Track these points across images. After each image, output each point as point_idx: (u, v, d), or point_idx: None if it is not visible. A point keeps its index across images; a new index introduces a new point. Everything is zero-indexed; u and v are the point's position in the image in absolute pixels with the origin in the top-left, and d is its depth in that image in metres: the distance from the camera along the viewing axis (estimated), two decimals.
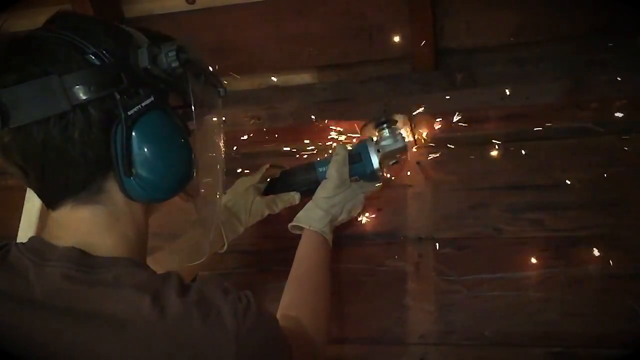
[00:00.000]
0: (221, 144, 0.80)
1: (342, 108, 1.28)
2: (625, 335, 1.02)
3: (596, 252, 1.08)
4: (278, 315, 0.94)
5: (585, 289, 1.07)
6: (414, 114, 1.22)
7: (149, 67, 0.69)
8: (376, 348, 1.14)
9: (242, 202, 1.13)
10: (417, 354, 1.11)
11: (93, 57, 0.66)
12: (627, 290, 1.05)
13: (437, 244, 1.17)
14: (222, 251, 1.10)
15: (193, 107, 0.72)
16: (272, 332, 0.74)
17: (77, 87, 0.64)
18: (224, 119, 0.80)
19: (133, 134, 0.68)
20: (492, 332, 1.08)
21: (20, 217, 1.22)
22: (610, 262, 1.07)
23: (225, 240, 1.09)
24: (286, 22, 1.31)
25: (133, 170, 0.68)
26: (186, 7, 1.31)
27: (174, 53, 0.69)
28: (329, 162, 1.15)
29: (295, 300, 0.99)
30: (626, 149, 1.13)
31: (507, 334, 1.08)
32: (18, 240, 1.11)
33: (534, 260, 1.11)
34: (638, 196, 1.10)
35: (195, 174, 0.75)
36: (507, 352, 1.07)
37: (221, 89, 0.77)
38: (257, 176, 1.19)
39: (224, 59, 1.36)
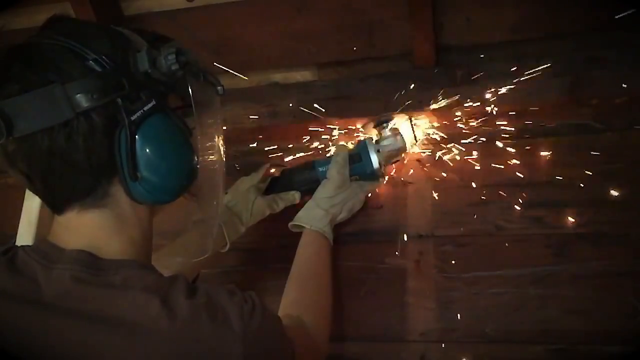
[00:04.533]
0: (222, 142, 0.81)
1: (342, 105, 1.27)
2: (626, 333, 1.02)
3: (596, 250, 1.08)
4: (280, 315, 0.95)
5: (586, 286, 1.07)
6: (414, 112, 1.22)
7: (149, 70, 0.69)
8: (377, 345, 1.14)
9: (243, 202, 1.14)
10: (418, 351, 1.11)
11: (94, 64, 0.66)
12: (627, 287, 1.05)
13: (437, 242, 1.17)
14: (224, 251, 1.10)
15: (194, 108, 0.72)
16: (277, 333, 0.75)
17: (80, 94, 0.65)
18: (224, 117, 0.80)
19: (137, 138, 0.68)
20: (492, 329, 1.08)
21: (20, 215, 1.22)
22: (611, 259, 1.07)
23: (226, 239, 1.09)
24: (286, 19, 1.31)
25: (138, 174, 0.69)
26: (185, 4, 1.30)
27: (173, 56, 0.69)
28: (329, 161, 1.15)
29: (297, 299, 1.00)
30: (626, 146, 1.13)
31: (507, 331, 1.08)
32: (18, 239, 1.12)
33: (534, 258, 1.11)
34: (638, 193, 1.10)
35: (198, 174, 0.75)
36: (507, 349, 1.07)
37: (219, 88, 0.77)
38: (258, 176, 1.19)
39: (223, 57, 1.36)
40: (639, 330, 1.01)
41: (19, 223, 1.20)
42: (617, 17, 1.09)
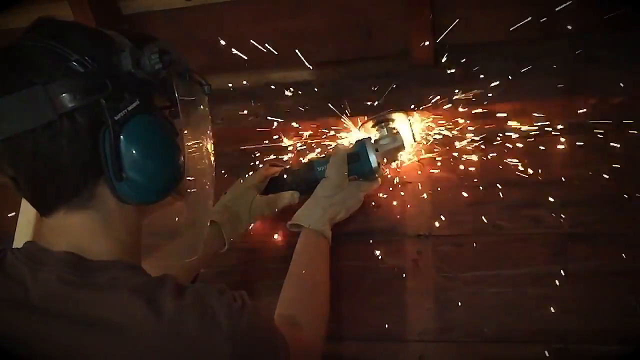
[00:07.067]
0: (210, 142, 0.80)
1: (340, 105, 1.27)
2: (625, 332, 1.03)
3: (595, 249, 1.08)
4: (276, 314, 0.95)
5: (584, 286, 1.07)
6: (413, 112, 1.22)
7: (132, 70, 0.69)
8: (375, 345, 1.14)
9: (243, 201, 1.14)
10: (416, 351, 1.11)
11: (76, 65, 0.66)
12: (626, 287, 1.05)
13: (436, 241, 1.17)
14: (223, 250, 1.10)
15: (179, 107, 0.72)
16: (267, 332, 0.74)
17: (63, 95, 0.65)
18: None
19: (121, 138, 0.68)
20: (491, 329, 1.09)
21: (18, 214, 1.22)
22: (609, 258, 1.07)
23: (225, 239, 1.09)
24: (284, 18, 1.31)
25: (123, 175, 0.69)
26: (184, 3, 1.30)
27: (156, 55, 0.69)
28: (328, 161, 1.15)
29: (293, 298, 1.00)
30: (625, 145, 1.13)
31: (506, 331, 1.08)
32: (16, 237, 1.12)
33: (532, 257, 1.11)
34: (636, 192, 1.10)
35: (185, 174, 0.75)
36: (506, 348, 1.08)
37: (206, 87, 0.77)
38: (257, 176, 1.19)
39: (221, 56, 1.36)
40: (638, 330, 1.01)
41: (16, 222, 1.21)
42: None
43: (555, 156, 1.16)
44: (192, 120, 0.76)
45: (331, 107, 1.27)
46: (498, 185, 1.17)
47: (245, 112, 1.33)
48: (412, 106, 1.22)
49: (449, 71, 1.24)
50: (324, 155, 1.26)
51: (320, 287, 1.05)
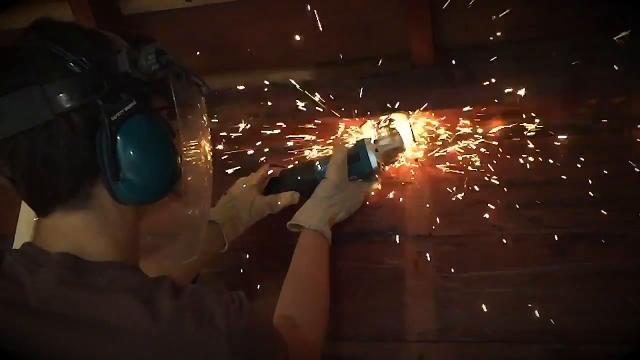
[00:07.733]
0: (208, 142, 0.80)
1: (340, 105, 1.27)
2: (624, 332, 1.03)
3: (595, 249, 1.08)
4: (276, 314, 0.95)
5: (584, 286, 1.07)
6: (413, 112, 1.22)
7: (129, 71, 0.69)
8: (375, 345, 1.14)
9: (243, 201, 1.14)
10: (416, 351, 1.11)
11: (73, 65, 0.66)
12: (626, 287, 1.05)
13: (436, 241, 1.17)
14: (223, 251, 1.10)
15: (176, 108, 0.72)
16: (265, 332, 0.74)
17: (60, 96, 0.65)
18: (205, 117, 0.79)
19: (118, 138, 0.68)
20: (491, 329, 1.09)
21: (18, 214, 1.22)
22: (609, 258, 1.07)
23: (225, 240, 1.09)
24: (284, 19, 1.31)
25: (120, 175, 0.69)
26: (184, 4, 1.30)
27: (153, 56, 0.69)
28: (328, 161, 1.15)
29: (293, 299, 1.00)
30: (625, 146, 1.13)
31: (506, 331, 1.08)
32: (16, 238, 1.12)
33: (532, 257, 1.11)
34: (636, 193, 1.10)
35: (181, 174, 0.75)
36: (506, 349, 1.08)
37: (204, 88, 0.77)
38: (257, 176, 1.19)
39: (221, 56, 1.36)
40: (637, 330, 1.01)
41: (17, 221, 1.21)
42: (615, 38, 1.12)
43: (555, 156, 1.16)
44: (190, 121, 0.76)
45: (331, 107, 1.27)
46: (498, 185, 1.17)
47: (246, 112, 1.33)
48: (412, 107, 1.22)
49: (448, 71, 1.24)
50: (323, 155, 1.26)
51: (320, 287, 1.05)
